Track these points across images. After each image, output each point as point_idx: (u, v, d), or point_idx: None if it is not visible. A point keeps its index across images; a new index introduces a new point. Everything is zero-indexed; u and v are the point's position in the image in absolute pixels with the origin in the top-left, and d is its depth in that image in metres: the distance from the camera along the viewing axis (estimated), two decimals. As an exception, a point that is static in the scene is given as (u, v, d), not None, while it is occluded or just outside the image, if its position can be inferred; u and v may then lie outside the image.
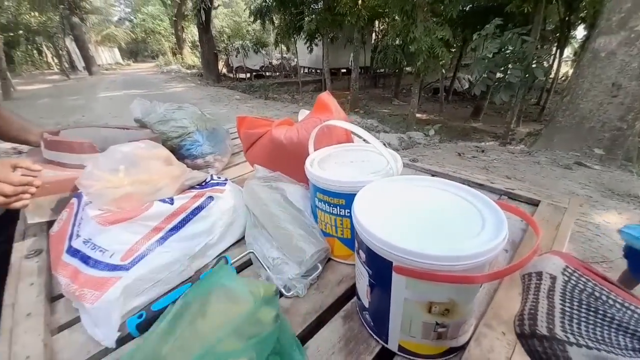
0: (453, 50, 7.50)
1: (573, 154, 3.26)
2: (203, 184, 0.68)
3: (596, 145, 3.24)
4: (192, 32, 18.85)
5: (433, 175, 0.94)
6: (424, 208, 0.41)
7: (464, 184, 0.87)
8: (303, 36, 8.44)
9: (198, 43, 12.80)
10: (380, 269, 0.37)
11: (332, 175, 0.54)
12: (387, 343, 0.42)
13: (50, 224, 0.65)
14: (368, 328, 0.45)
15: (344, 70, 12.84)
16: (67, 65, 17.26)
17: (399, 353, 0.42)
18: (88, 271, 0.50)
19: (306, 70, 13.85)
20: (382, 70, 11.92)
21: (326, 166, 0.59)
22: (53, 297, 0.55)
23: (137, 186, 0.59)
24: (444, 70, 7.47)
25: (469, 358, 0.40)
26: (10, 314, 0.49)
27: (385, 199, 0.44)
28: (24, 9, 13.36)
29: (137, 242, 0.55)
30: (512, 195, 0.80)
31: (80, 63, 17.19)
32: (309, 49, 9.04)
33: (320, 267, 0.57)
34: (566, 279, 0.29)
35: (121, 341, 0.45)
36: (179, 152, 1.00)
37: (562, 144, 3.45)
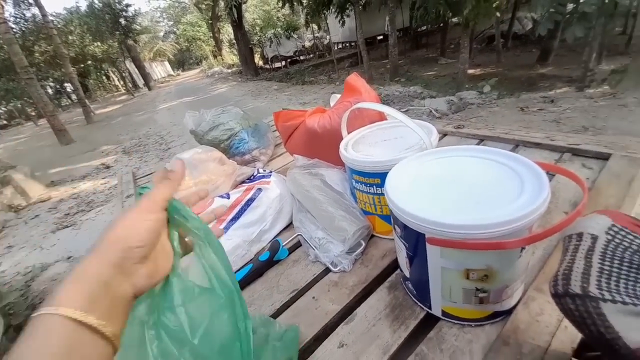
0: (509, -15, 6.39)
1: (677, 86, 2.61)
2: (252, 177, 0.76)
3: None
4: (227, 31, 19.58)
5: (481, 140, 0.88)
6: (457, 179, 0.41)
7: (518, 145, 0.82)
8: (333, 10, 8.10)
9: (234, 41, 13.29)
10: (415, 241, 0.39)
11: (365, 156, 0.56)
12: (430, 309, 0.45)
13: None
14: (412, 296, 0.48)
15: (381, 37, 12.06)
16: (130, 85, 19.64)
17: (443, 318, 0.44)
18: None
19: (340, 46, 13.38)
20: (423, 28, 10.85)
21: (360, 148, 0.61)
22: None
23: (200, 186, 0.70)
24: (498, 14, 6.46)
25: (516, 321, 0.41)
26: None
27: (417, 173, 0.45)
28: (87, 41, 15.40)
29: (207, 233, 0.65)
30: (577, 152, 0.71)
31: (140, 81, 19.37)
32: (341, 22, 8.66)
33: (364, 244, 0.61)
34: (610, 237, 0.28)
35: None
36: (230, 152, 1.11)
37: (661, 77, 2.78)
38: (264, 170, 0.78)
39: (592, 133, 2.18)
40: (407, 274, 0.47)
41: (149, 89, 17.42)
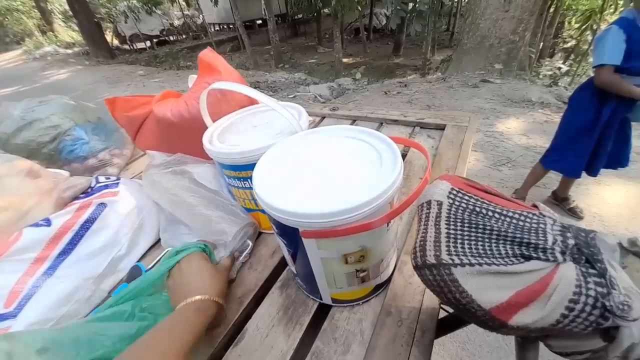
0: (366, -16, 7.25)
1: (478, 72, 3.60)
2: (89, 190, 0.57)
3: (496, 60, 3.61)
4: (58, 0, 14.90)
5: (354, 121, 0.94)
6: (324, 163, 0.39)
7: (382, 123, 0.90)
8: (201, -14, 7.27)
9: (71, 13, 10.21)
10: (292, 236, 0.35)
11: (231, 147, 0.48)
12: (322, 299, 0.43)
13: None
14: (303, 290, 0.46)
15: (260, 22, 11.73)
16: None
17: (333, 304, 0.43)
18: (-43, 335, 0.40)
19: (217, 28, 12.29)
20: (300, 16, 11.15)
21: (227, 137, 0.53)
22: None
23: (-10, 216, 0.47)
24: (359, 8, 7.26)
25: (394, 288, 0.44)
26: None
27: (286, 162, 0.40)
28: None
29: (18, 282, 0.45)
30: (424, 125, 0.84)
31: None
32: (213, 1, 7.90)
33: (251, 243, 0.55)
34: (451, 201, 0.30)
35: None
36: (60, 157, 0.82)
37: (469, 65, 3.77)
38: (108, 178, 0.59)
39: (434, 109, 2.76)
40: (295, 270, 0.43)
41: None
